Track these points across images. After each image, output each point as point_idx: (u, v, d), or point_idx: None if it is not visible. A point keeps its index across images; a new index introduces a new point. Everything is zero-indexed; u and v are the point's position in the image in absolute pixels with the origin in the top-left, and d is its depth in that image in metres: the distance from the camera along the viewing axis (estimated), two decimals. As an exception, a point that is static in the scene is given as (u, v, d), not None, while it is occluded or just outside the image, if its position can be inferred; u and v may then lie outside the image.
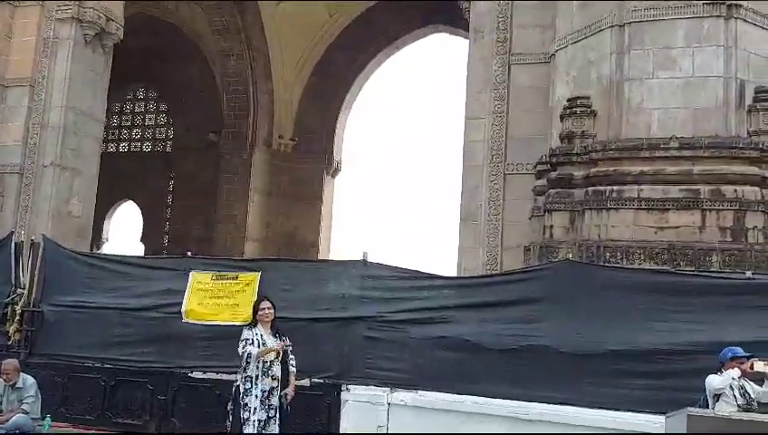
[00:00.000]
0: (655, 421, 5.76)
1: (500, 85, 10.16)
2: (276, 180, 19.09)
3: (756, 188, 7.81)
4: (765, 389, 5.41)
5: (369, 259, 7.88)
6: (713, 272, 7.30)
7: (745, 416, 3.63)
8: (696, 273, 7.22)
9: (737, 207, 7.74)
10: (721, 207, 7.79)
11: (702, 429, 3.54)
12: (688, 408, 3.64)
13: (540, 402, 6.66)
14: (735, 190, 7.82)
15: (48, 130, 12.48)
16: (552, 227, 8.49)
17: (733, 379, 5.40)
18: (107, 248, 19.76)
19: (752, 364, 5.41)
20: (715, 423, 3.59)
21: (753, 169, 7.86)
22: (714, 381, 5.47)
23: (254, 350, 5.77)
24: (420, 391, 7.15)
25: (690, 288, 6.70)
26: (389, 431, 7.09)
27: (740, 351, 5.57)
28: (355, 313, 7.65)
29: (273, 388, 5.77)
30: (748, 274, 6.94)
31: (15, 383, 7.87)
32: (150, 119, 21.17)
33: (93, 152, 13.33)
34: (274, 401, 5.78)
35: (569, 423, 6.48)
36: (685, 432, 3.56)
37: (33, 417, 7.85)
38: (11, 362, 7.99)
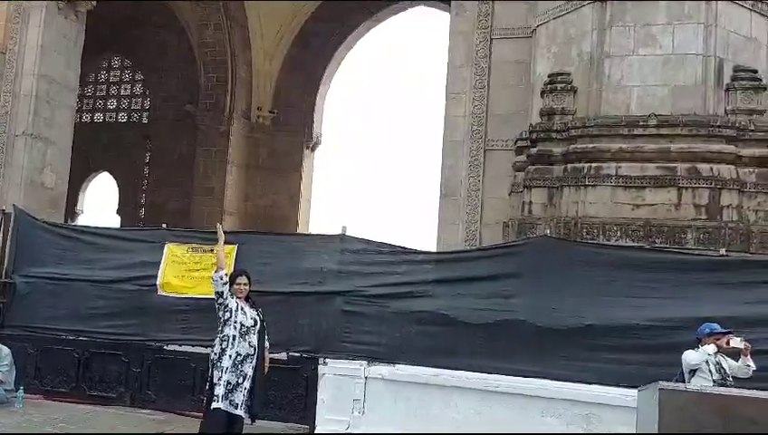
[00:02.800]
0: (627, 395, 5.85)
1: (481, 60, 10.09)
2: (255, 153, 18.90)
3: (732, 167, 7.88)
4: (740, 364, 5.51)
5: (348, 234, 7.85)
6: (688, 249, 7.40)
7: (716, 390, 3.69)
8: (671, 249, 7.31)
9: (713, 186, 7.81)
10: (697, 185, 7.86)
11: (673, 402, 3.58)
12: (660, 382, 3.68)
13: (516, 376, 6.73)
14: (711, 169, 7.89)
15: (20, 98, 12.18)
16: (530, 203, 8.51)
17: (708, 354, 5.48)
18: (82, 220, 19.46)
19: (728, 340, 5.49)
20: (685, 397, 3.64)
21: (730, 148, 7.93)
22: (689, 357, 5.56)
23: (231, 303, 5.75)
24: (397, 365, 7.19)
25: (665, 265, 6.78)
26: (366, 404, 7.12)
27: (717, 327, 5.63)
28: (333, 287, 7.64)
29: (248, 355, 5.71)
30: (722, 251, 7.05)
31: (-11, 354, 7.79)
32: (126, 89, 20.74)
33: (67, 122, 13.05)
34: (247, 370, 5.70)
35: (540, 396, 6.57)
36: (656, 406, 3.61)
37: (7, 389, 7.78)
38: (-16, 333, 7.91)
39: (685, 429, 3.52)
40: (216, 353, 5.70)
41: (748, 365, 5.52)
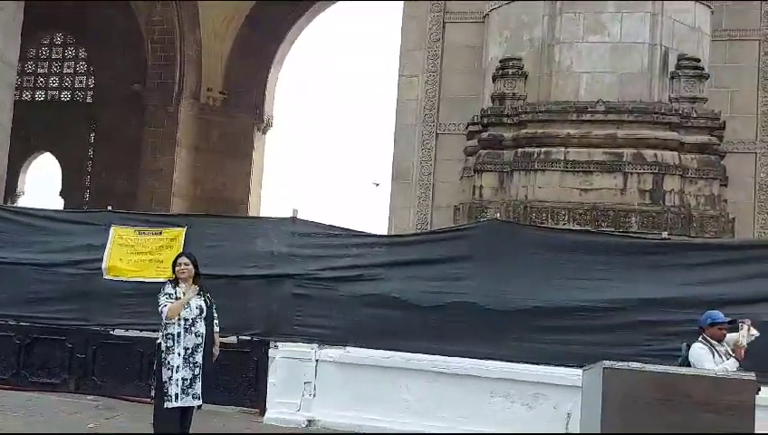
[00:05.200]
0: (573, 374, 6.00)
1: (434, 44, 10.11)
2: (205, 135, 18.54)
3: (675, 153, 8.12)
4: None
5: (299, 217, 7.79)
6: (632, 232, 7.60)
7: (656, 368, 3.82)
8: (616, 233, 7.49)
9: (656, 171, 8.04)
10: (642, 171, 8.08)
11: (617, 380, 3.69)
12: (604, 361, 3.78)
13: (466, 357, 6.82)
14: (655, 154, 8.11)
15: (-46, 74, 11.64)
16: (481, 187, 8.61)
17: (712, 345, 5.10)
18: (23, 202, 18.79)
19: (747, 327, 5.09)
20: (628, 375, 3.75)
21: (673, 135, 8.16)
22: (702, 358, 4.97)
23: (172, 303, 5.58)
24: (348, 348, 7.20)
25: (610, 248, 6.95)
26: (317, 387, 7.12)
27: (720, 316, 5.28)
28: (284, 270, 7.57)
29: (197, 345, 5.61)
30: (664, 234, 7.26)
31: None
32: (69, 66, 20.03)
33: (6, 99, 12.52)
34: (198, 358, 5.62)
35: (488, 377, 6.68)
36: (600, 384, 3.71)
37: (-59, 377, 7.48)
38: None
39: (627, 404, 3.64)
40: (162, 351, 5.55)
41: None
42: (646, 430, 3.63)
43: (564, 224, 7.88)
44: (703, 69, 8.47)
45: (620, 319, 6.50)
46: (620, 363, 3.80)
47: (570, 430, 6.27)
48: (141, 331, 7.62)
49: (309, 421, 7.06)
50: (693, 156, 8.21)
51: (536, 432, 6.36)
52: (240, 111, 18.80)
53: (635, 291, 6.58)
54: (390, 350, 7.06)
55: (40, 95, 19.99)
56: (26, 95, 19.66)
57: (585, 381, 4.59)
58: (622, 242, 7.07)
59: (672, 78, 8.36)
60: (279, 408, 7.16)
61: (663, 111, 8.19)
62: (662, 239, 7.07)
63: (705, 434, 3.54)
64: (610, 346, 6.08)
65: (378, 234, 8.33)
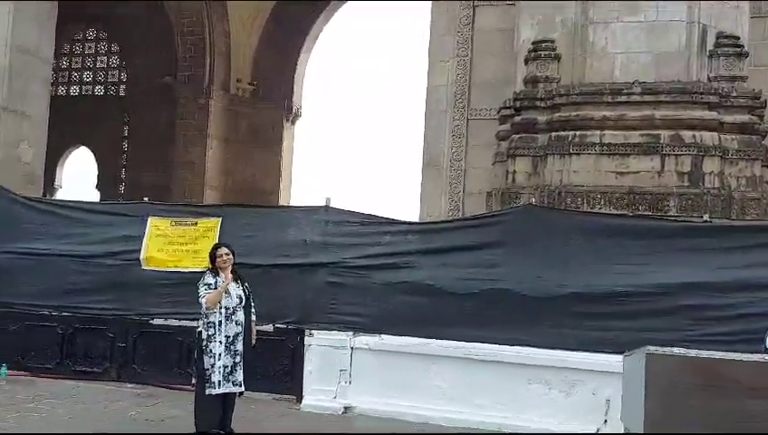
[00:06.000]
0: (612, 360, 5.92)
1: (464, 28, 9.99)
2: (235, 126, 18.66)
3: (714, 133, 7.91)
4: None
5: (332, 205, 7.80)
6: (670, 216, 7.45)
7: (703, 353, 3.73)
8: (653, 216, 7.35)
9: (695, 153, 7.85)
10: (680, 153, 7.89)
11: (660, 366, 3.61)
12: (647, 347, 3.70)
13: (501, 344, 6.77)
14: (694, 136, 7.91)
15: (-8, 70, 11.86)
16: (514, 172, 8.50)
17: None
18: (60, 195, 19.15)
19: None
20: (672, 361, 3.66)
21: (712, 114, 7.96)
22: None
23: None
24: (383, 335, 7.21)
25: (648, 231, 6.83)
26: (352, 374, 7.15)
27: None
28: (317, 258, 7.61)
29: (237, 334, 5.69)
30: (705, 217, 7.10)
31: (-32, 332, 7.68)
32: (102, 61, 20.31)
33: (42, 95, 12.74)
34: (239, 346, 5.71)
35: (525, 364, 6.62)
36: (643, 370, 3.63)
37: (-12, 366, 7.70)
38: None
39: (671, 390, 3.56)
40: (203, 339, 5.65)
41: None
42: (691, 417, 3.55)
43: (600, 208, 7.75)
44: (742, 47, 8.22)
45: (661, 304, 6.38)
46: (664, 349, 3.72)
47: (609, 417, 6.19)
48: (180, 320, 7.73)
49: (345, 408, 7.10)
50: (733, 136, 7.99)
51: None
52: (268, 102, 18.86)
53: (675, 275, 6.45)
54: (425, 337, 7.05)
55: (74, 90, 20.31)
56: (62, 90, 19.99)
57: (626, 368, 4.51)
58: (661, 225, 6.94)
59: (710, 56, 8.13)
60: (316, 395, 7.21)
61: (701, 90, 7.98)
62: (703, 222, 6.92)
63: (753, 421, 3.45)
64: (650, 332, 5.98)
65: (410, 221, 8.32)
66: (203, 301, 5.61)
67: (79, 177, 20.51)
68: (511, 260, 7.04)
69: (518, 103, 8.66)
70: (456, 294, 7.08)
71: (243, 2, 18.09)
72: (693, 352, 3.76)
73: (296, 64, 19.15)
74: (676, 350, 3.94)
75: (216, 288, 5.63)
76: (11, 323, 8.31)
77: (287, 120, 19.29)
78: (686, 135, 7.92)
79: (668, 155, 7.89)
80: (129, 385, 7.81)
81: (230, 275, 5.75)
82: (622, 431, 4.50)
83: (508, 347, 6.73)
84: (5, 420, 6.12)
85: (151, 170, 18.49)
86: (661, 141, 7.91)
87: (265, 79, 18.87)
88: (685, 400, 3.63)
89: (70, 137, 19.07)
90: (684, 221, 7.13)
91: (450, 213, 9.78)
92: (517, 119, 8.64)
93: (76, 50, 20.34)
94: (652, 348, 3.62)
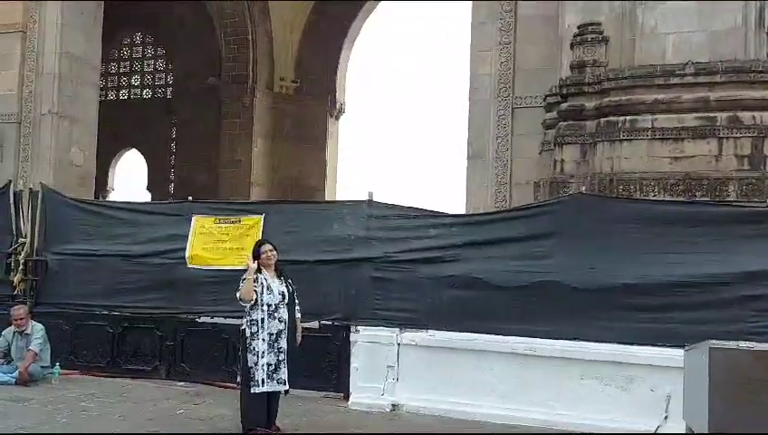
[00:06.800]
0: (672, 355, 5.64)
1: (506, 14, 9.74)
2: (279, 124, 18.76)
3: (776, 114, 7.49)
4: None
5: (375, 199, 7.68)
6: (730, 202, 7.08)
7: (771, 347, 3.48)
8: (712, 202, 7.00)
9: (755, 134, 7.46)
10: (738, 135, 7.52)
11: (725, 361, 3.38)
12: (710, 341, 3.47)
13: (552, 338, 6.55)
14: (753, 117, 7.52)
15: (43, 77, 12.21)
16: (562, 161, 8.24)
17: None
18: (113, 197, 19.62)
19: None
20: (738, 355, 3.42)
21: (773, 94, 7.53)
22: None
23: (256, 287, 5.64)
24: (431, 331, 7.06)
25: (707, 218, 6.49)
26: (399, 371, 7.03)
27: None
28: (361, 253, 7.50)
29: (280, 331, 5.65)
30: (767, 202, 6.72)
31: (24, 330, 7.88)
32: (149, 64, 20.70)
33: (91, 99, 13.05)
34: (283, 344, 5.67)
35: (579, 358, 6.39)
36: (706, 365, 3.40)
37: (43, 365, 7.86)
38: (22, 308, 8.01)
39: (737, 386, 3.32)
40: (247, 337, 5.62)
41: None
42: (760, 415, 3.31)
43: (654, 195, 7.42)
44: (805, 20, 7.76)
45: (722, 295, 6.06)
46: (729, 342, 3.48)
47: (670, 414, 5.91)
48: (226, 318, 7.74)
49: (393, 406, 6.98)
50: (796, 116, 7.55)
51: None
52: (312, 98, 18.89)
53: (737, 264, 6.11)
54: (473, 332, 6.87)
55: (123, 94, 20.77)
56: (111, 95, 20.46)
57: (687, 362, 4.27)
58: (721, 212, 6.59)
59: (770, 33, 7.70)
60: (363, 392, 7.11)
61: (761, 68, 7.56)
62: (765, 207, 6.53)
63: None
64: (712, 324, 5.68)
65: (455, 214, 8.13)
66: (238, 294, 5.59)
67: (130, 179, 21.00)
68: (561, 251, 6.79)
69: (564, 90, 8.38)
70: (504, 287, 6.87)
71: (284, 1, 18.16)
72: (761, 346, 3.52)
73: (338, 61, 19.12)
74: (742, 343, 3.70)
75: (257, 284, 5.59)
76: (64, 323, 8.48)
77: (331, 115, 19.30)
78: (745, 116, 7.52)
79: (726, 138, 7.51)
80: (179, 383, 7.87)
81: (273, 272, 5.71)
82: (684, 430, 4.25)
83: (559, 341, 6.50)
84: (56, 420, 6.21)
85: (199, 170, 18.77)
86: (718, 124, 7.54)
87: (308, 76, 18.91)
88: (753, 396, 3.40)
89: (120, 140, 19.51)
90: (745, 207, 6.75)
91: (497, 205, 9.55)
92: (564, 106, 8.36)
93: (124, 54, 20.79)
94: (715, 342, 3.39)
